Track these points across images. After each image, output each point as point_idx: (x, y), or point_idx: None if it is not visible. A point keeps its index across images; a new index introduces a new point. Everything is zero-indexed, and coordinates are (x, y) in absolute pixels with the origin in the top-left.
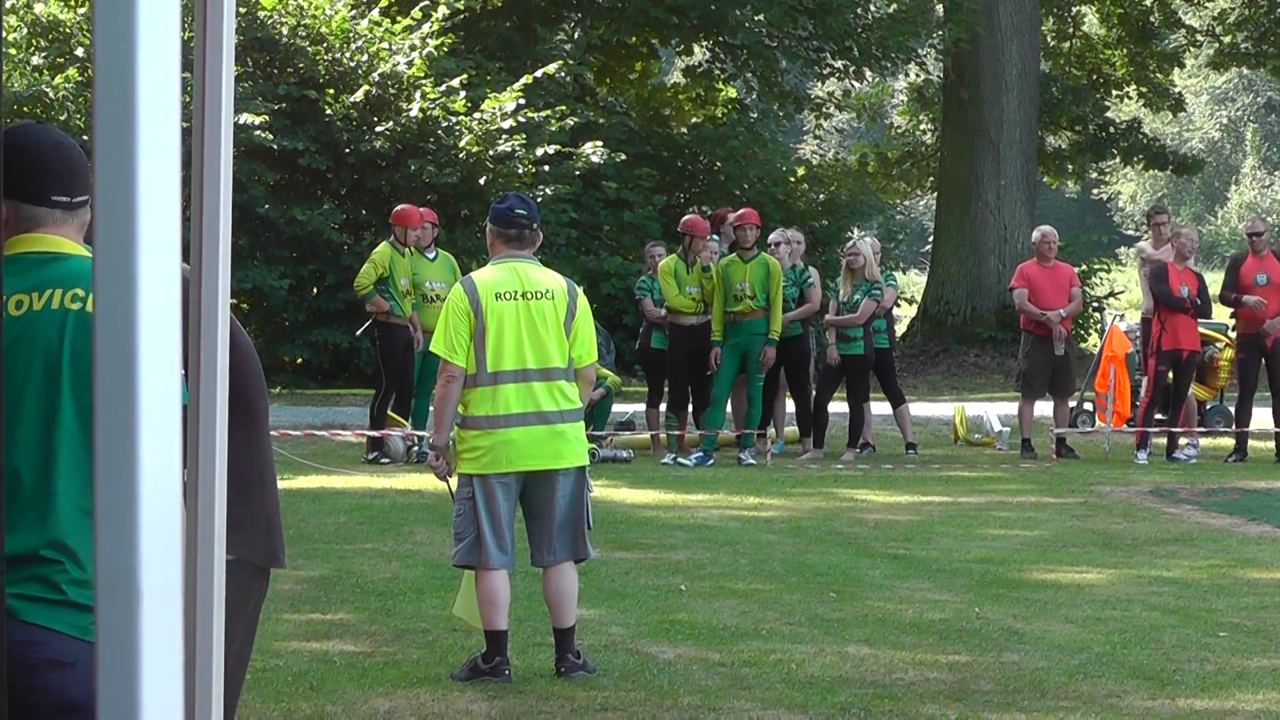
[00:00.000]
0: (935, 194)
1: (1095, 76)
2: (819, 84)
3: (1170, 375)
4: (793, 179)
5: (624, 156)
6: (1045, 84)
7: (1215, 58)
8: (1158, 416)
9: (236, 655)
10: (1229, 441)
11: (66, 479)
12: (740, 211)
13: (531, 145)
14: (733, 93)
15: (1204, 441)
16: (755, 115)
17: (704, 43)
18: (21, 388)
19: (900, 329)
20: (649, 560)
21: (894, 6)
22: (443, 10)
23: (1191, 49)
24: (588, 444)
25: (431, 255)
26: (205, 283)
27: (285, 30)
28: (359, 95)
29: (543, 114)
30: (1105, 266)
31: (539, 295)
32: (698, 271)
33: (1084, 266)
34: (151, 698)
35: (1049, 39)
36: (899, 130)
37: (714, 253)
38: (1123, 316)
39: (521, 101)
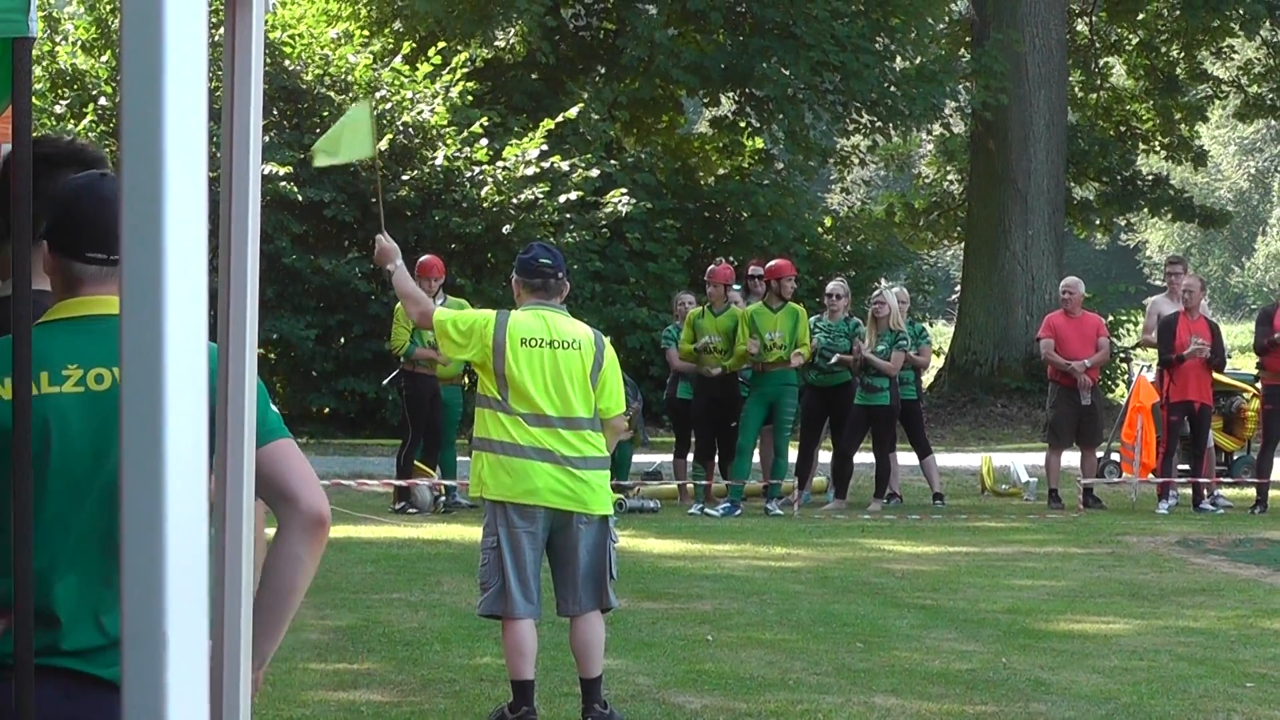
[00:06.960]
0: (963, 244)
1: (1122, 128)
2: (845, 138)
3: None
4: (820, 228)
5: (650, 206)
6: (1073, 135)
7: (1241, 109)
8: (1182, 467)
9: None
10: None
11: None
12: (773, 263)
13: (555, 193)
14: (760, 143)
15: (1233, 492)
16: (781, 166)
17: (731, 94)
18: (94, 472)
19: (927, 379)
20: (676, 610)
21: (920, 59)
22: (462, 56)
23: (1218, 100)
24: (614, 495)
25: (441, 301)
26: (233, 332)
27: (310, 78)
28: (383, 144)
29: (567, 162)
30: (1132, 318)
31: (566, 345)
32: (724, 319)
33: (1111, 317)
34: None
35: (1076, 90)
36: (926, 180)
37: (732, 302)
38: (1149, 367)
39: (545, 148)
